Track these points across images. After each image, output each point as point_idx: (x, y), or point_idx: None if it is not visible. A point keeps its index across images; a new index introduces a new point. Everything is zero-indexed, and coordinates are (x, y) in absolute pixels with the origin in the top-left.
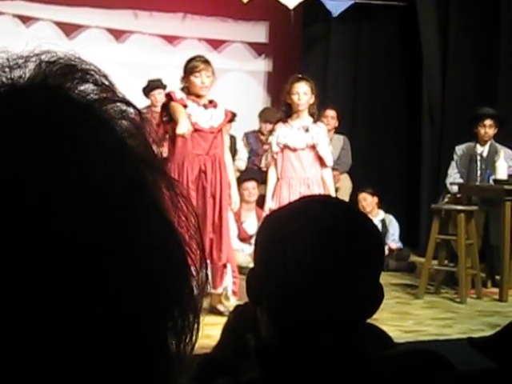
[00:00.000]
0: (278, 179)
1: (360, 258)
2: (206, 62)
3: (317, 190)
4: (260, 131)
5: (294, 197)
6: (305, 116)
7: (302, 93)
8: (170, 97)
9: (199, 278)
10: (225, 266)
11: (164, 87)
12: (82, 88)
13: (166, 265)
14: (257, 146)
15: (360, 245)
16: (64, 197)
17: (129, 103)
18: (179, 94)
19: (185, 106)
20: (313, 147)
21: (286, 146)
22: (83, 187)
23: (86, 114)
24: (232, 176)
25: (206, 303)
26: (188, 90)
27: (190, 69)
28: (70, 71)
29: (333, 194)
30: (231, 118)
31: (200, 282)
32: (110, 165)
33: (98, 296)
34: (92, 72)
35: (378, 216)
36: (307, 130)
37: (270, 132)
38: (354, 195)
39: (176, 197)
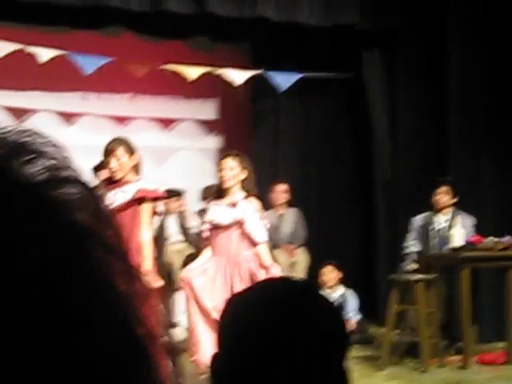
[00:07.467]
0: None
1: (320, 342)
2: (116, 141)
3: (245, 267)
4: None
5: (221, 274)
6: (235, 192)
7: (228, 168)
8: None
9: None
10: None
11: None
12: (29, 168)
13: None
14: None
15: (320, 329)
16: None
17: (79, 181)
18: None
19: None
20: (240, 223)
21: (213, 225)
22: (20, 270)
23: (29, 197)
24: (147, 251)
25: None
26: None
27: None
28: (17, 150)
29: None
30: (146, 197)
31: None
32: (51, 242)
33: None
34: (43, 149)
35: (337, 291)
36: (234, 205)
37: None
38: (313, 268)
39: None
